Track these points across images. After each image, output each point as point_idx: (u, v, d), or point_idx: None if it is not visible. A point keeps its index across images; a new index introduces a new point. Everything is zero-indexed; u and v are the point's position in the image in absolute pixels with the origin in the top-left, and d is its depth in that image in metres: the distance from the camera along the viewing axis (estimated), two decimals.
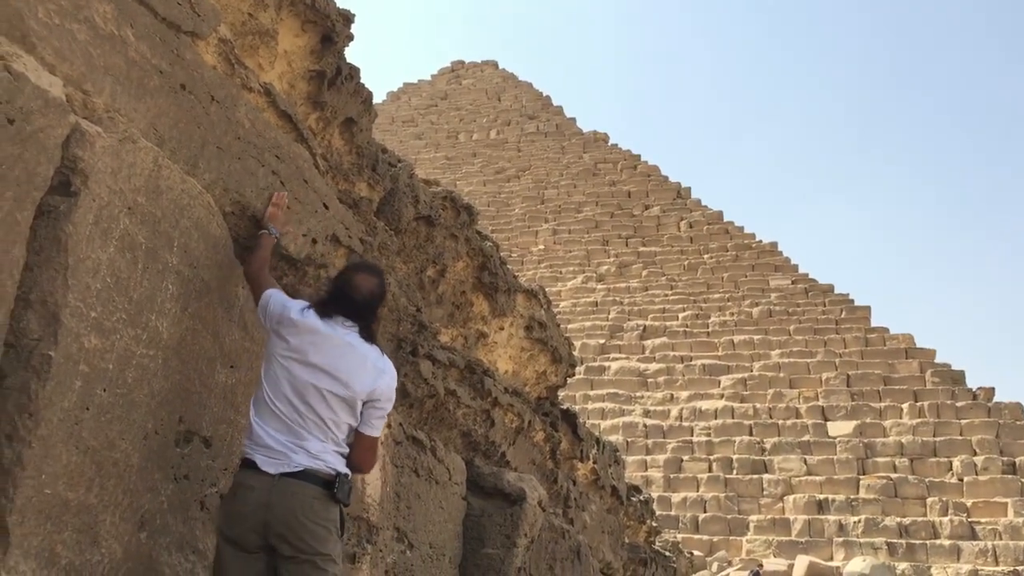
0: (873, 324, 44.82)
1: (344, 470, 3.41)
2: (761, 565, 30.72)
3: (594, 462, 9.75)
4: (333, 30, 4.75)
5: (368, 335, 3.61)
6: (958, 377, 39.41)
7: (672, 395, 41.46)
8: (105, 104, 3.23)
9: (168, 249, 3.40)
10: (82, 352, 2.91)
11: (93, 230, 2.98)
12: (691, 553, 29.17)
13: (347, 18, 4.93)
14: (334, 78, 4.93)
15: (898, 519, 33.06)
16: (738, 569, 31.81)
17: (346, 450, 3.47)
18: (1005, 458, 34.35)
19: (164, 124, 3.56)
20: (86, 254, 2.95)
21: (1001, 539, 31.42)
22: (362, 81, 5.22)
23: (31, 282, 2.82)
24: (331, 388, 3.39)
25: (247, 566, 3.26)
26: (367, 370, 3.48)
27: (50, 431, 2.79)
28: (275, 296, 3.66)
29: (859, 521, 33.18)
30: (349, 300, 3.64)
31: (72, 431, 2.88)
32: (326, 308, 3.62)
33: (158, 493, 3.34)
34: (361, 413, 3.50)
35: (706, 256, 51.94)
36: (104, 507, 3.03)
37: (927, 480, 34.32)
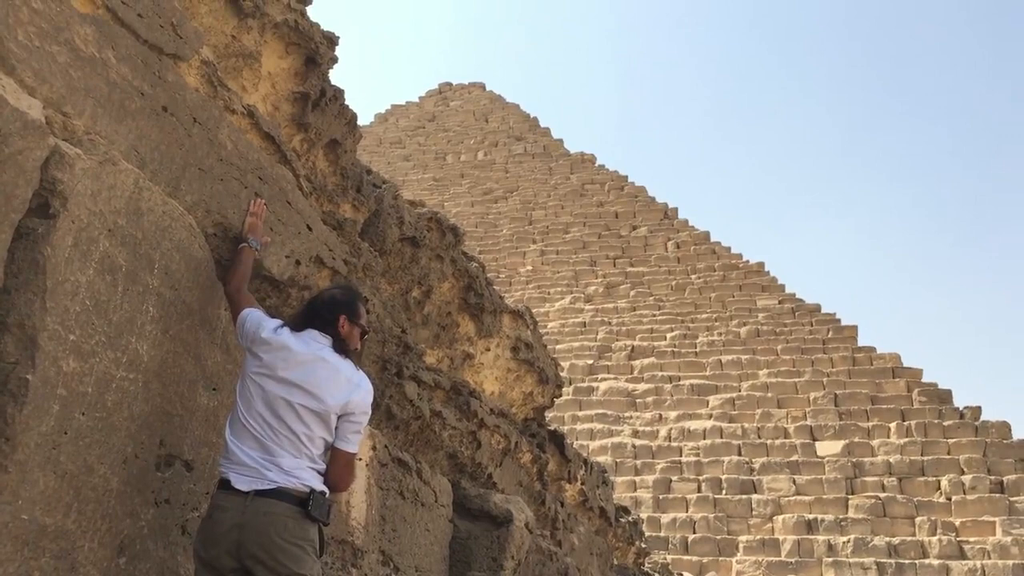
0: (860, 343, 45.00)
1: (320, 487, 3.36)
2: None
3: (582, 483, 9.71)
4: (317, 52, 4.76)
5: (342, 349, 3.59)
6: (945, 396, 39.54)
7: (660, 415, 41.42)
8: (85, 126, 3.22)
9: (149, 271, 3.37)
10: (60, 376, 2.88)
11: (72, 252, 2.96)
12: (680, 574, 29.05)
13: (331, 40, 4.94)
14: (318, 100, 4.93)
15: (887, 539, 33.02)
16: None
17: (322, 467, 3.43)
18: (992, 477, 34.41)
19: (145, 146, 3.55)
20: (65, 276, 2.92)
21: (990, 558, 31.42)
22: (346, 103, 5.22)
23: (8, 305, 2.79)
24: (303, 402, 3.37)
25: None
26: (340, 383, 3.45)
27: (27, 456, 2.75)
28: (252, 315, 3.65)
29: (848, 541, 33.12)
30: (310, 306, 3.73)
31: (50, 456, 2.84)
32: (296, 322, 3.65)
33: (138, 518, 3.30)
34: (336, 428, 3.47)
35: (693, 276, 52.10)
36: (82, 532, 2.99)
37: (915, 499, 34.32)
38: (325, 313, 3.65)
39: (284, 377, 3.42)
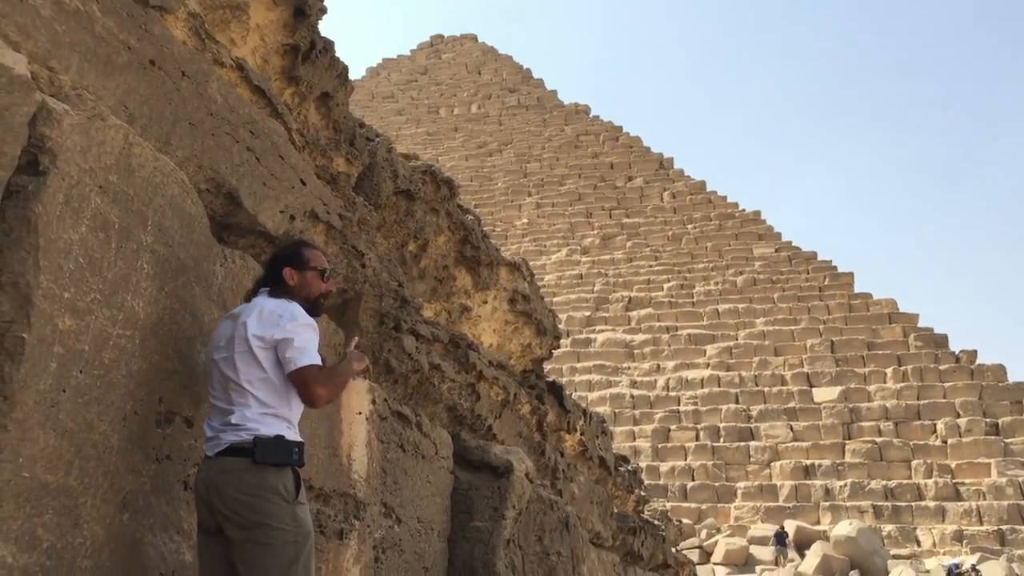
0: (856, 290, 45.13)
1: (269, 432, 3.32)
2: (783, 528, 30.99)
3: (581, 433, 9.78)
4: (305, 3, 4.69)
5: (276, 294, 3.58)
6: (941, 341, 39.77)
7: (658, 365, 41.67)
8: (72, 81, 3.17)
9: (142, 228, 3.34)
10: (56, 334, 2.87)
11: (64, 210, 2.93)
12: (680, 521, 29.42)
13: None
14: (308, 52, 4.87)
15: (883, 482, 33.43)
16: (727, 536, 32.12)
17: (273, 408, 3.39)
18: (988, 419, 34.75)
19: (134, 101, 3.50)
20: (57, 234, 2.90)
21: (985, 499, 31.83)
22: (337, 55, 5.16)
23: (1, 264, 2.77)
24: (238, 349, 3.38)
25: (209, 546, 3.32)
26: (263, 318, 3.42)
27: (26, 414, 2.75)
28: None
29: (845, 485, 33.53)
30: (262, 273, 3.78)
31: (49, 413, 2.84)
32: (249, 294, 3.67)
33: (140, 474, 3.31)
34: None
35: (690, 226, 52.05)
36: (85, 489, 3.00)
37: (911, 443, 34.69)
38: (270, 272, 3.67)
39: (222, 340, 3.46)
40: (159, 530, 3.43)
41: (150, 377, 3.38)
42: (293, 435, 3.43)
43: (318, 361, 3.43)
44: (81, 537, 2.98)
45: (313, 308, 3.68)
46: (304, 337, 3.42)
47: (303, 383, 3.38)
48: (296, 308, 3.51)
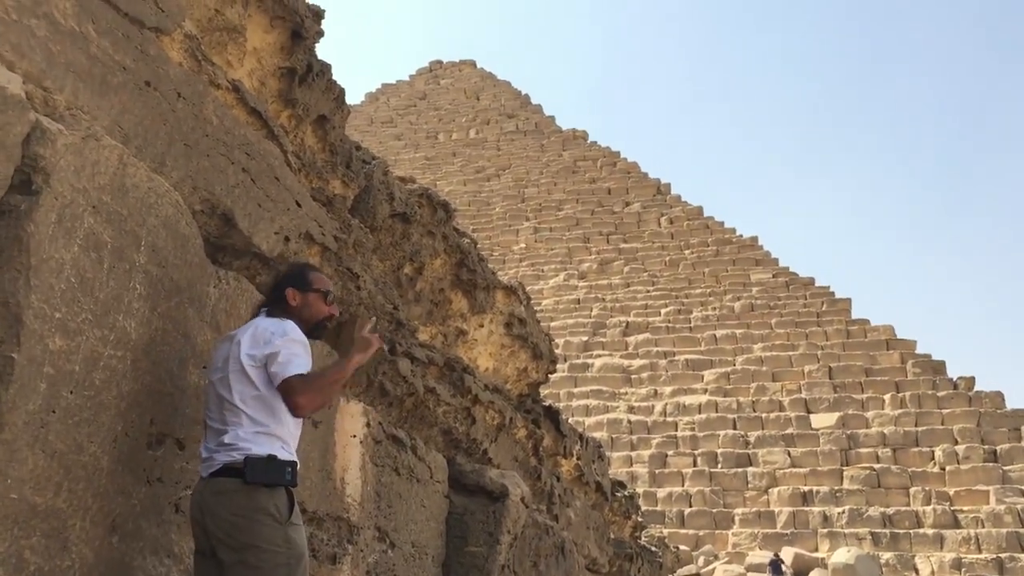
0: (854, 316, 45.08)
1: (259, 451, 3.27)
2: (778, 555, 30.72)
3: (578, 458, 9.73)
4: (302, 26, 4.71)
5: (273, 314, 3.57)
6: (939, 367, 39.67)
7: (656, 391, 41.53)
8: (67, 101, 3.17)
9: (135, 248, 3.33)
10: (47, 354, 2.85)
11: (56, 229, 2.92)
12: (677, 547, 29.22)
13: (316, 14, 4.89)
14: (305, 75, 4.89)
15: (882, 509, 33.23)
16: (725, 563, 31.89)
17: (266, 427, 3.34)
18: (986, 447, 34.60)
19: (129, 121, 3.50)
20: (49, 254, 2.89)
21: (983, 527, 31.62)
22: (334, 78, 5.18)
23: None
24: (232, 368, 3.36)
25: (204, 568, 3.28)
26: (256, 337, 3.41)
27: (15, 435, 2.73)
28: None
29: (843, 512, 33.32)
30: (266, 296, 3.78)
31: (38, 434, 2.82)
32: (254, 312, 3.69)
33: (130, 496, 3.28)
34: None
35: (687, 252, 52.08)
36: (74, 511, 2.97)
37: (910, 470, 34.51)
38: (274, 294, 3.67)
39: (219, 361, 3.45)
40: (149, 553, 3.40)
41: (142, 398, 3.36)
42: (287, 455, 3.39)
43: (302, 371, 3.38)
44: (69, 560, 2.95)
45: (314, 331, 3.68)
46: (289, 351, 3.38)
47: (285, 394, 3.35)
48: (289, 325, 3.49)
